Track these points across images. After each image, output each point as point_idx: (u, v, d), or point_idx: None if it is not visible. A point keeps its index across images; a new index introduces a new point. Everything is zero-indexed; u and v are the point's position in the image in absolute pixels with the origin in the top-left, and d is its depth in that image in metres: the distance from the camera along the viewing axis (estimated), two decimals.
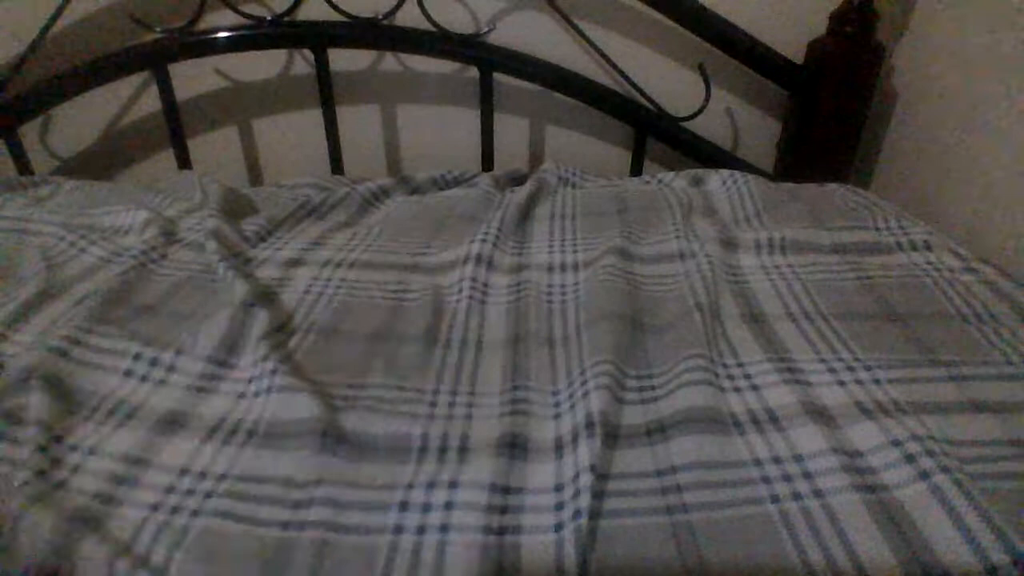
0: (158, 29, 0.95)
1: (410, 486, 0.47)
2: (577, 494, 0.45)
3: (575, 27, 0.98)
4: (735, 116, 1.13)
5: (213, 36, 0.96)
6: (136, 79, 1.06)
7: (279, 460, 0.49)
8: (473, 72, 1.03)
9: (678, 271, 0.73)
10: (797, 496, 0.45)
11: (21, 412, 0.51)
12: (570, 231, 0.83)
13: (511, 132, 1.14)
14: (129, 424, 0.52)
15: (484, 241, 0.78)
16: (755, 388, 0.56)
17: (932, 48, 0.96)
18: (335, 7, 0.95)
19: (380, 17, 0.97)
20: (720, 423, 0.51)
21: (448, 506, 0.45)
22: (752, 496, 0.45)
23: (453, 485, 0.47)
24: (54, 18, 0.93)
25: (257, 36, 0.98)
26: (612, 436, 0.51)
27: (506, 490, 0.46)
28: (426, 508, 0.45)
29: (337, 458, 0.49)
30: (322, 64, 1.00)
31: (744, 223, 0.85)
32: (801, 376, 0.56)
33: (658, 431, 0.52)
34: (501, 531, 0.43)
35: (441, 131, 1.15)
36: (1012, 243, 0.81)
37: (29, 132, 1.08)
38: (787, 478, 0.47)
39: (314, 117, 1.10)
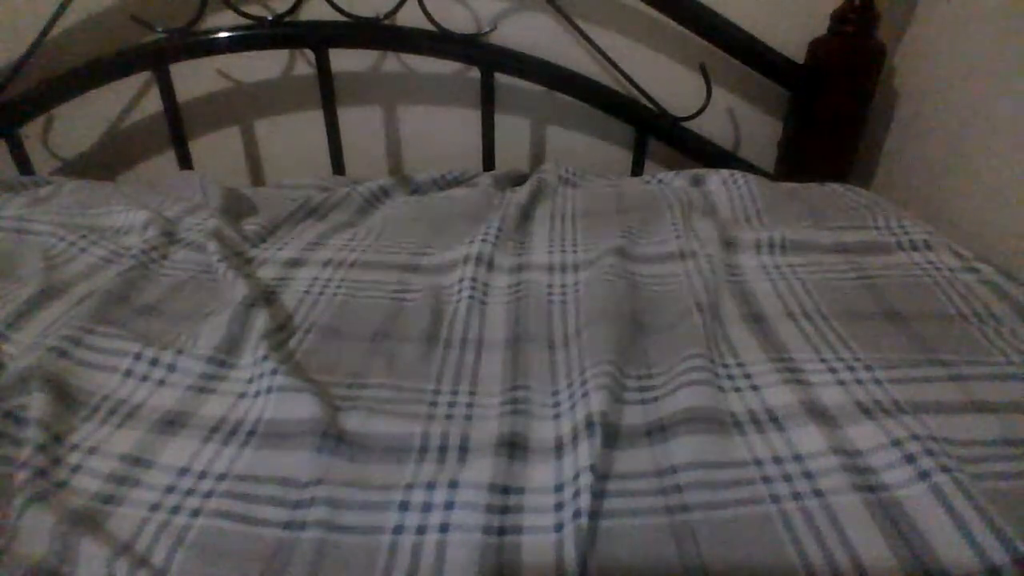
0: (159, 29, 0.95)
1: (410, 486, 0.47)
2: (577, 494, 0.45)
3: (576, 27, 0.98)
4: (736, 116, 1.13)
5: (214, 36, 0.97)
6: (137, 79, 1.06)
7: (279, 460, 0.49)
8: (474, 72, 1.03)
9: (678, 271, 0.73)
10: (797, 496, 0.45)
11: (21, 412, 0.51)
12: (570, 231, 0.83)
13: (512, 132, 1.14)
14: (129, 424, 0.52)
15: (484, 241, 0.78)
16: (755, 388, 0.55)
17: (932, 48, 0.96)
18: (336, 7, 0.95)
19: (381, 17, 0.97)
20: (720, 423, 0.51)
21: (448, 506, 0.45)
22: (752, 496, 0.45)
23: (453, 485, 0.46)
24: (55, 18, 0.93)
25: (258, 36, 0.98)
26: (612, 436, 0.50)
27: (506, 490, 0.46)
28: (426, 508, 0.45)
29: (337, 458, 0.49)
30: (323, 64, 1.00)
31: (744, 223, 0.85)
32: (801, 376, 0.56)
33: (658, 431, 0.51)
34: (501, 531, 0.43)
35: (442, 131, 1.15)
36: (1013, 243, 0.81)
37: (31, 132, 1.08)
38: (787, 478, 0.47)
39: (315, 117, 1.10)
